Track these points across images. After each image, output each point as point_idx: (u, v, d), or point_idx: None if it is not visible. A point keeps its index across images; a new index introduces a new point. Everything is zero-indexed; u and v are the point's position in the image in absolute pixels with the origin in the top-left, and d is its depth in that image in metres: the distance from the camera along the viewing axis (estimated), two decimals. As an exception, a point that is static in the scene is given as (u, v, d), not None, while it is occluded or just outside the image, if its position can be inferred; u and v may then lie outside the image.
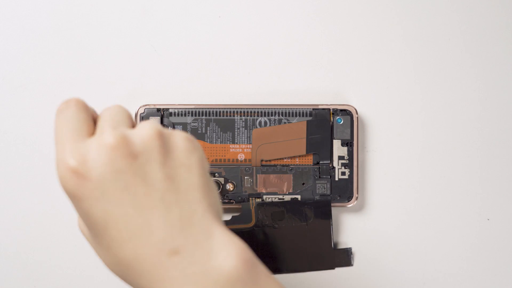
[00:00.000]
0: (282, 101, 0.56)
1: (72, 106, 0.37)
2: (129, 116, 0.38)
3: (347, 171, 0.55)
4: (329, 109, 0.55)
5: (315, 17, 0.57)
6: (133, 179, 0.35)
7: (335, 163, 0.55)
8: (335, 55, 0.57)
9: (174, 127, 0.55)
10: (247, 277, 0.35)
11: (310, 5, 0.57)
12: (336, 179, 0.55)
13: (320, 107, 0.55)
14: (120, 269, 0.36)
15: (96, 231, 0.36)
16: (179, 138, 0.37)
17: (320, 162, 0.55)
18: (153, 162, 0.36)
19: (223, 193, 0.55)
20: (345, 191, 0.55)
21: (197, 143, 0.38)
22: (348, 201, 0.55)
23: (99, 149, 0.35)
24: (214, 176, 0.55)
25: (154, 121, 0.37)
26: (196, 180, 0.37)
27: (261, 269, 0.36)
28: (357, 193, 0.55)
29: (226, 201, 0.55)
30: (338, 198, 0.55)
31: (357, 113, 0.55)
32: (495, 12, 0.57)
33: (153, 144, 0.36)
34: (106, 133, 0.35)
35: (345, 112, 0.55)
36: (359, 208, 0.56)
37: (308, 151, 0.55)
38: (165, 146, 0.36)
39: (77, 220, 0.39)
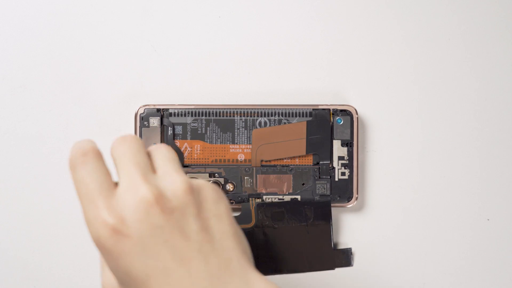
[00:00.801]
0: (282, 101, 0.56)
1: (91, 158, 0.37)
2: (145, 150, 0.39)
3: (347, 171, 0.55)
4: (329, 109, 0.55)
5: (315, 17, 0.57)
6: (171, 233, 0.36)
7: (335, 164, 0.55)
8: (335, 55, 0.57)
9: (174, 127, 0.55)
10: None
11: (310, 5, 0.57)
12: (336, 179, 0.55)
13: (320, 107, 0.55)
14: None
15: (133, 287, 0.36)
16: (207, 189, 0.38)
17: (320, 162, 0.55)
18: (188, 215, 0.37)
19: (223, 193, 0.55)
20: (345, 191, 0.55)
21: (222, 192, 0.39)
22: (348, 201, 0.55)
23: (136, 205, 0.36)
24: (214, 176, 0.55)
25: (179, 169, 0.38)
26: (228, 229, 0.38)
27: None
28: (357, 193, 0.55)
29: (226, 201, 0.55)
30: (338, 198, 0.55)
31: (357, 113, 0.55)
32: (495, 12, 0.57)
33: (187, 199, 0.37)
34: (141, 188, 0.36)
35: (345, 112, 0.55)
36: (359, 208, 0.56)
37: (308, 152, 0.55)
38: (197, 198, 0.37)
39: (103, 284, 0.39)
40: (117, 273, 0.37)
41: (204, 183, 0.38)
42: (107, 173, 0.37)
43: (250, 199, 0.55)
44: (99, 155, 0.38)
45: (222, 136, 0.55)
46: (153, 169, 0.38)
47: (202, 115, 0.55)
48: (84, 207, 0.37)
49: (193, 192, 0.37)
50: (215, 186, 0.39)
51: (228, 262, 0.37)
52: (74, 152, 0.38)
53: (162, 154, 0.39)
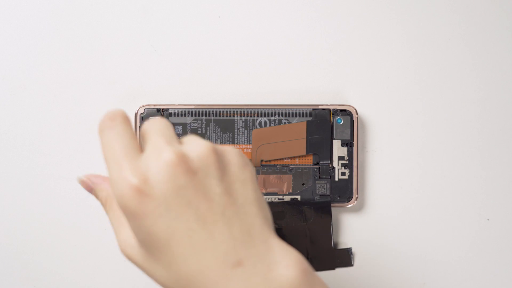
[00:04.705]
0: (282, 101, 0.56)
1: (120, 122, 0.38)
2: (174, 130, 0.39)
3: (347, 171, 0.55)
4: (329, 109, 0.55)
5: (315, 17, 0.57)
6: (194, 195, 0.36)
7: (335, 164, 0.55)
8: (335, 55, 0.57)
9: (174, 127, 0.55)
10: (305, 286, 0.36)
11: (310, 5, 0.57)
12: (336, 179, 0.55)
13: (320, 107, 0.55)
14: (181, 285, 0.37)
15: (156, 249, 0.37)
16: (232, 154, 0.38)
17: (320, 162, 0.55)
18: (212, 177, 0.37)
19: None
20: (345, 191, 0.55)
21: (247, 158, 0.39)
22: (348, 201, 0.55)
23: (160, 166, 0.36)
24: (214, 176, 0.55)
25: (200, 137, 0.39)
26: (252, 194, 0.38)
27: (317, 278, 0.37)
28: (357, 193, 0.55)
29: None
30: (338, 198, 0.55)
31: (357, 113, 0.55)
32: (495, 12, 0.57)
33: (210, 160, 0.37)
34: (165, 150, 0.36)
35: (345, 112, 0.55)
36: (359, 208, 0.56)
37: (308, 152, 0.55)
38: (220, 161, 0.37)
39: (121, 244, 0.39)
40: (139, 234, 0.37)
41: (229, 148, 0.38)
42: (133, 137, 0.38)
43: (250, 199, 0.55)
44: (126, 120, 0.39)
45: (222, 136, 0.55)
46: (179, 142, 0.39)
47: (202, 115, 0.55)
48: (110, 169, 0.37)
49: (217, 155, 0.37)
50: (240, 152, 0.39)
51: (251, 227, 0.37)
52: (103, 117, 0.38)
53: (189, 135, 0.40)
